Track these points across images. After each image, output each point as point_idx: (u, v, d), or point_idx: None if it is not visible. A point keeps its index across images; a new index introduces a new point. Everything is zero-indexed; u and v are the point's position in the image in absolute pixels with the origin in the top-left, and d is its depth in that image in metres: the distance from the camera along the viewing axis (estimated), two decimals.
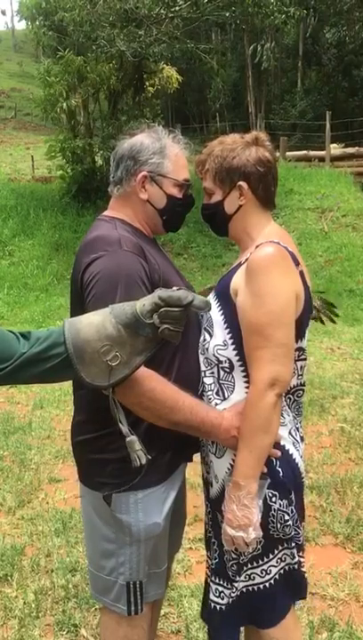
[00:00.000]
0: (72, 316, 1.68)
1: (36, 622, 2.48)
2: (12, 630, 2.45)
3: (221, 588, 1.69)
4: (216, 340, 1.66)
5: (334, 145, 16.57)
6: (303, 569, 1.71)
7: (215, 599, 1.70)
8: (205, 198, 1.77)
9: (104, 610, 1.80)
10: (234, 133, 1.78)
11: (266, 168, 1.68)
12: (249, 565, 1.65)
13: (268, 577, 1.65)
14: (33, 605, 2.57)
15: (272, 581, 1.65)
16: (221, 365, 1.65)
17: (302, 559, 1.70)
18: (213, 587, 1.72)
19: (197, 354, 1.72)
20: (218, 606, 1.69)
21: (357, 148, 16.35)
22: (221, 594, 1.69)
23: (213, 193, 1.73)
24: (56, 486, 3.69)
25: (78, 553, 2.94)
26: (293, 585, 1.71)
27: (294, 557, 1.67)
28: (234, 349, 1.63)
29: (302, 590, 1.75)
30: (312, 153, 16.53)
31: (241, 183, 1.67)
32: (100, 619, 2.31)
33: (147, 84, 15.00)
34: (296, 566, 1.68)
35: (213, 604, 1.71)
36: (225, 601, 1.68)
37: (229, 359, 1.64)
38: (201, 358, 1.71)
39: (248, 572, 1.65)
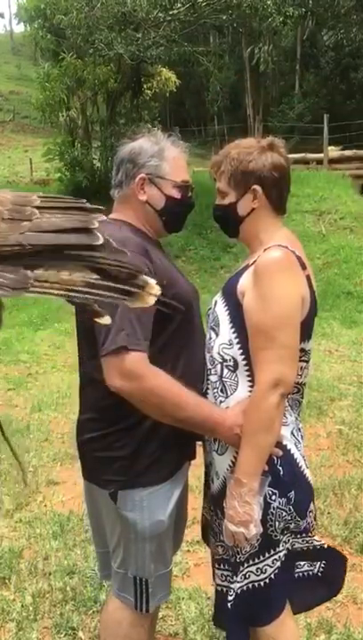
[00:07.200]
0: (77, 317, 1.70)
1: (34, 625, 2.48)
2: (9, 633, 2.44)
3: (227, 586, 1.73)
4: (222, 338, 1.69)
5: (332, 147, 16.56)
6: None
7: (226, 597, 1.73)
8: (217, 199, 1.79)
9: (105, 608, 1.81)
10: (250, 138, 1.82)
11: (281, 173, 1.71)
12: (246, 564, 1.66)
13: (263, 575, 1.66)
14: (31, 608, 2.57)
15: (267, 580, 1.67)
16: (225, 364, 1.68)
17: (315, 541, 1.75)
18: (223, 584, 1.75)
19: (203, 352, 1.74)
20: (227, 603, 1.71)
21: (354, 150, 16.37)
22: (227, 592, 1.72)
23: (226, 194, 1.75)
24: (54, 489, 3.69)
25: (76, 556, 2.94)
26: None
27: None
28: (239, 348, 1.65)
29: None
30: (310, 156, 16.51)
31: (256, 187, 1.70)
32: (98, 621, 2.32)
33: (145, 86, 15.01)
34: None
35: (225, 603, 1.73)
36: (230, 599, 1.70)
37: (233, 358, 1.66)
38: (207, 356, 1.73)
39: (244, 572, 1.67)
